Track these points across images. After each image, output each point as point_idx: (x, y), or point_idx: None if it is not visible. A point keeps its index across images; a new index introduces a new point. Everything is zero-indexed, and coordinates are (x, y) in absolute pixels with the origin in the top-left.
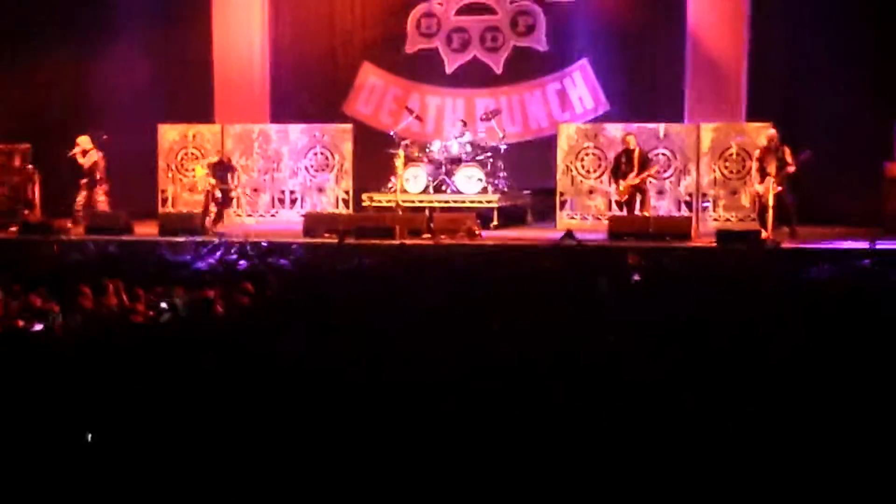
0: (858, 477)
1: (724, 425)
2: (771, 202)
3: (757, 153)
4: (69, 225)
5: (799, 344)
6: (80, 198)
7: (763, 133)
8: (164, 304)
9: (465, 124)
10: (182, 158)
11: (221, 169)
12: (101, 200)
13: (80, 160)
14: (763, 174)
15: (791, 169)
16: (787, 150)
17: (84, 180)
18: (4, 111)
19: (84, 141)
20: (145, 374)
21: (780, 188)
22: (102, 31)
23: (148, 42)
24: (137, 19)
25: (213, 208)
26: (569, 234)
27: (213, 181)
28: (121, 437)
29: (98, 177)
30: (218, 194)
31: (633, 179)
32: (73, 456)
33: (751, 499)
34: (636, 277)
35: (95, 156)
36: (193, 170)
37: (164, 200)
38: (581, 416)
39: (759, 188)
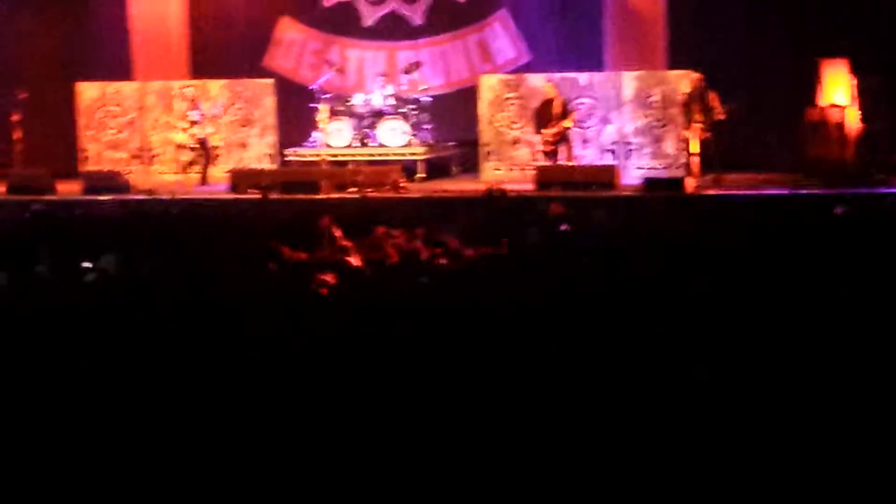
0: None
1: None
2: (694, 149)
3: (683, 98)
4: None
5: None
6: None
7: (686, 80)
8: None
9: (386, 77)
10: (102, 116)
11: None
12: None
13: None
14: (689, 120)
15: (720, 116)
16: (714, 96)
17: None
18: None
19: None
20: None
21: (707, 134)
22: None
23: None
24: None
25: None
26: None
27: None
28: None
29: None
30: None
31: (556, 127)
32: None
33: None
34: (564, 227)
35: None
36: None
37: (85, 159)
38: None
39: (688, 134)
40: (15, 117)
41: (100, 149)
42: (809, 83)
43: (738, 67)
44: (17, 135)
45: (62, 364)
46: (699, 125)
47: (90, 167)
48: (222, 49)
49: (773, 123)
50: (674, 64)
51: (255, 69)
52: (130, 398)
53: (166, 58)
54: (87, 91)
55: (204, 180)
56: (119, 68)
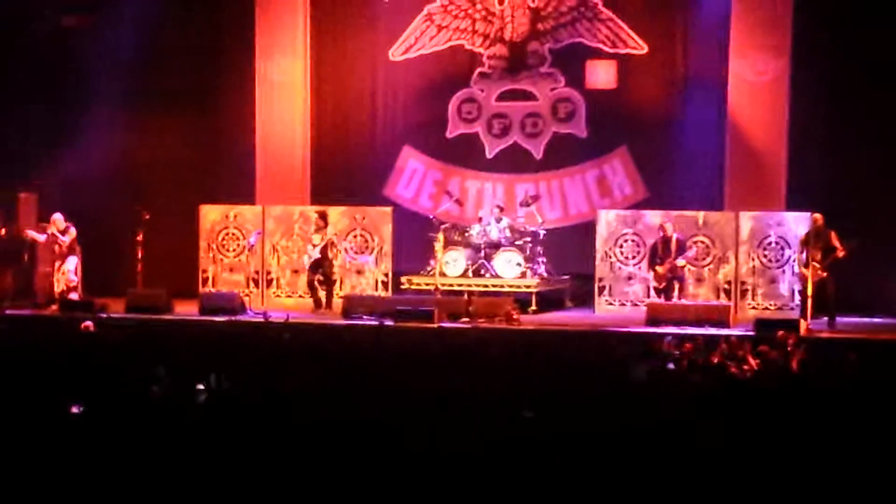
0: None
1: None
2: (809, 290)
3: (802, 238)
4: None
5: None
6: (59, 275)
7: (805, 219)
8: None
9: (501, 210)
10: (223, 238)
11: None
12: (72, 277)
13: (61, 238)
14: (807, 259)
15: (840, 254)
16: (834, 235)
17: (60, 258)
18: (54, 187)
19: (59, 219)
20: None
21: (824, 274)
22: (149, 111)
23: (192, 123)
24: (183, 100)
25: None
26: None
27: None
28: None
29: (69, 253)
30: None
31: (669, 265)
32: None
33: None
34: (671, 366)
35: (73, 232)
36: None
37: (205, 280)
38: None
39: (807, 272)
40: (138, 237)
41: (219, 270)
42: None
43: (857, 209)
44: (139, 254)
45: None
46: (816, 265)
47: (208, 288)
48: (343, 176)
49: (892, 266)
50: (792, 205)
51: (375, 197)
52: None
53: (288, 183)
54: (210, 213)
55: (328, 305)
56: (243, 193)
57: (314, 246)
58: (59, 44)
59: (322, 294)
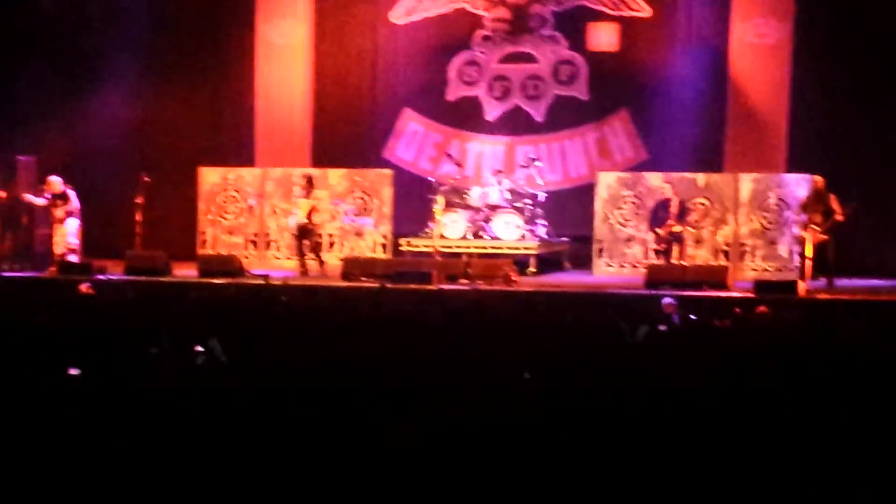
0: None
1: None
2: (808, 252)
3: (802, 201)
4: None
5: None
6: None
7: (805, 182)
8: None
9: (500, 172)
10: (222, 201)
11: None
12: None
13: (59, 201)
14: (807, 222)
15: (839, 217)
16: (834, 198)
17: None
18: (56, 150)
19: (56, 182)
20: None
21: (824, 237)
22: (149, 74)
23: (192, 86)
24: (184, 63)
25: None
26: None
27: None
28: None
29: (69, 215)
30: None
31: (669, 227)
32: None
33: None
34: (662, 327)
35: (71, 195)
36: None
37: (203, 242)
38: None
39: (805, 235)
40: (138, 200)
41: (218, 233)
42: None
43: (858, 171)
44: (138, 217)
45: (172, 447)
46: (816, 228)
47: (207, 251)
48: (343, 138)
49: (891, 229)
50: (793, 168)
51: (375, 159)
52: (241, 484)
53: (288, 146)
54: (209, 176)
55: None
56: (243, 155)
57: (299, 209)
58: (61, 9)
59: (311, 260)
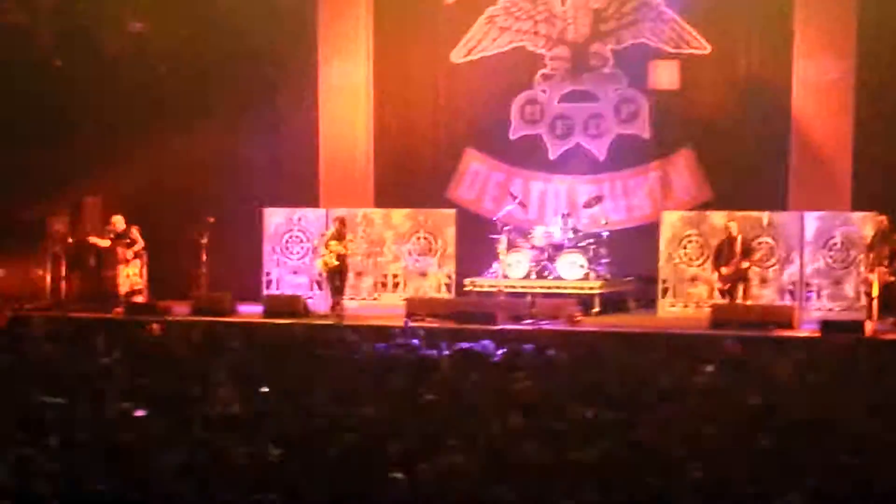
0: None
1: None
2: (875, 292)
3: (867, 241)
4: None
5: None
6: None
7: (870, 222)
8: None
9: (567, 215)
10: (287, 241)
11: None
12: (136, 280)
13: (123, 239)
14: (872, 263)
15: None
16: None
17: (124, 261)
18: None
19: (119, 220)
20: None
21: (892, 277)
22: (214, 116)
23: (256, 127)
24: (247, 105)
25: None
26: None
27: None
28: None
29: (134, 256)
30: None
31: (734, 266)
32: None
33: None
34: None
35: (136, 235)
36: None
37: (269, 283)
38: None
39: (871, 276)
40: (203, 241)
41: (282, 273)
42: None
43: None
44: (203, 258)
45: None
46: (882, 268)
47: (273, 292)
48: (407, 178)
49: None
50: (858, 205)
51: (438, 199)
52: None
53: (351, 185)
54: (274, 217)
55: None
56: (307, 196)
57: (331, 253)
58: (125, 48)
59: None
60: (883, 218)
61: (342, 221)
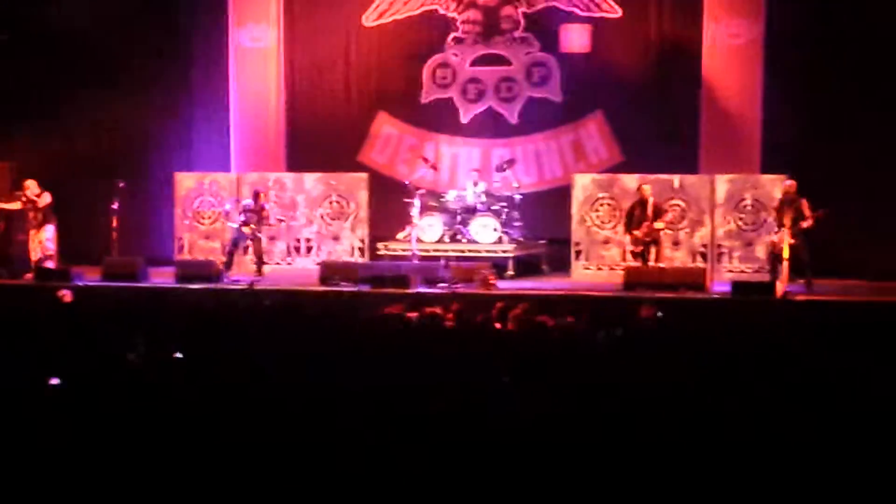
0: None
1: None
2: (785, 254)
3: (775, 204)
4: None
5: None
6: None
7: (779, 184)
8: None
9: (479, 173)
10: (198, 206)
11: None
12: (48, 246)
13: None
14: (780, 225)
15: (807, 224)
16: (805, 203)
17: (35, 227)
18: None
19: (32, 185)
20: None
21: (793, 241)
22: (123, 81)
23: (166, 92)
24: (157, 69)
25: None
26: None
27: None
28: None
29: (45, 221)
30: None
31: (646, 228)
32: None
33: None
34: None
35: (48, 199)
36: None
37: (181, 247)
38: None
39: (774, 238)
40: (113, 205)
41: (195, 237)
42: None
43: (832, 172)
44: (114, 223)
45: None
46: (789, 230)
47: (184, 256)
48: (319, 142)
49: (867, 230)
50: (768, 168)
51: (350, 163)
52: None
53: (263, 150)
54: (185, 181)
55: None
56: (219, 161)
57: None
58: (34, 15)
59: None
60: (790, 183)
61: (256, 193)
